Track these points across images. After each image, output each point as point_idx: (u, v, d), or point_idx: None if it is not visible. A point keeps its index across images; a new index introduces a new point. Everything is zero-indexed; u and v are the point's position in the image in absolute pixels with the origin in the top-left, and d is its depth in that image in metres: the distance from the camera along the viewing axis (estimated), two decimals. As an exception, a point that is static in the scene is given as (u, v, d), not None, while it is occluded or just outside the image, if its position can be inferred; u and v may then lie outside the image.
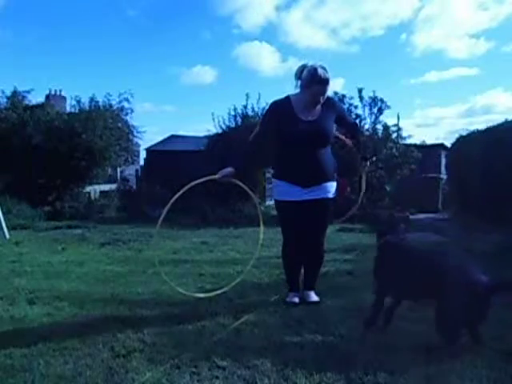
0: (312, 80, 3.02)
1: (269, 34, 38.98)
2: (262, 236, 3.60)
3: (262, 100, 12.67)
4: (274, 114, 3.18)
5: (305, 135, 3.08)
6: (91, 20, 34.15)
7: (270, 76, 39.46)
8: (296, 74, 3.16)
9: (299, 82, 3.16)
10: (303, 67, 3.12)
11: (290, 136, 3.11)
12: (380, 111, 11.05)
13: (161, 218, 3.06)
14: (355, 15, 39.06)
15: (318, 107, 3.17)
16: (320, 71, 3.00)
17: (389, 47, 39.69)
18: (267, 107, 3.35)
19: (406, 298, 2.64)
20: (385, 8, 40.15)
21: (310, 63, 3.10)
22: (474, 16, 39.40)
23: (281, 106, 3.17)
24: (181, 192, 3.09)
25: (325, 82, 3.04)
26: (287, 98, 3.21)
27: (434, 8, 39.40)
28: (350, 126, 3.55)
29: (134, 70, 35.48)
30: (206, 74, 42.31)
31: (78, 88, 44.80)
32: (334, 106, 3.30)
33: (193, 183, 3.14)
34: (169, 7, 35.25)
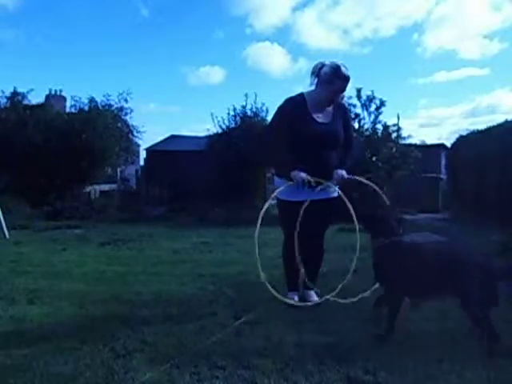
0: (335, 76, 3.03)
1: (281, 34, 38.65)
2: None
3: (264, 100, 12.72)
4: (289, 112, 3.15)
5: (319, 137, 3.09)
6: (98, 20, 33.98)
7: (278, 77, 39.16)
8: (313, 71, 3.15)
9: (316, 80, 3.14)
10: (322, 64, 3.11)
11: (303, 136, 3.10)
12: (378, 110, 11.01)
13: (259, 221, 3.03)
14: (369, 16, 38.71)
15: (330, 110, 3.18)
16: (343, 68, 3.04)
17: (400, 47, 39.45)
18: (282, 103, 3.23)
19: (425, 297, 2.59)
20: (399, 8, 39.79)
21: (328, 61, 3.10)
22: (487, 16, 39.14)
23: (296, 104, 3.15)
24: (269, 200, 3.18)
25: (347, 79, 3.07)
26: (301, 95, 3.20)
27: (447, 8, 39.13)
28: (347, 140, 3.30)
29: (141, 71, 35.33)
30: (214, 74, 42.03)
31: (81, 88, 44.71)
32: (345, 113, 3.32)
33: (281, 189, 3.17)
34: (182, 7, 35.02)
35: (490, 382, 2.02)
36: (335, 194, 3.26)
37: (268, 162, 2.94)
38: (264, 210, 3.03)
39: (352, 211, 3.09)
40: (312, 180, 3.05)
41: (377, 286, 3.01)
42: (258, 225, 2.99)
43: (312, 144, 3.10)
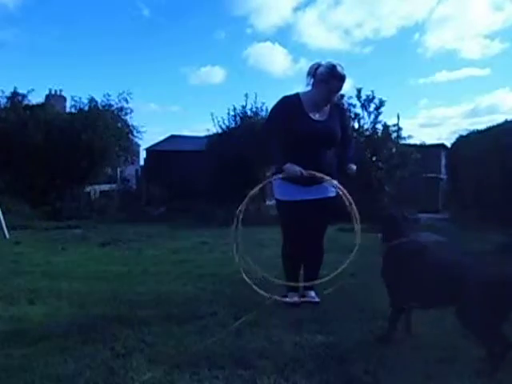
0: (331, 75, 3.04)
1: (282, 34, 38.49)
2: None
3: (265, 100, 12.75)
4: (285, 110, 3.15)
5: (316, 135, 3.09)
6: (98, 20, 33.82)
7: (279, 77, 38.97)
8: (309, 72, 3.16)
9: (312, 80, 3.16)
10: (318, 65, 3.12)
11: (300, 134, 3.09)
12: (378, 110, 10.99)
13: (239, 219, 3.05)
14: (370, 16, 38.42)
15: (327, 109, 3.19)
16: (338, 68, 3.05)
17: (401, 47, 39.25)
18: (277, 101, 3.22)
19: (432, 305, 2.47)
20: (400, 8, 39.56)
21: (324, 62, 3.11)
22: (488, 16, 38.98)
23: (291, 102, 3.16)
24: (256, 188, 3.14)
25: (343, 78, 3.08)
26: (297, 95, 3.20)
27: (448, 8, 38.97)
28: (346, 140, 3.31)
29: (141, 71, 35.16)
30: (214, 74, 41.83)
31: (81, 88, 44.51)
32: (342, 113, 3.34)
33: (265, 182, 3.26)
34: (183, 6, 34.90)
35: (490, 382, 2.02)
36: (332, 194, 3.25)
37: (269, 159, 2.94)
38: (251, 193, 3.07)
39: (353, 207, 3.07)
40: (306, 173, 3.00)
41: (339, 285, 3.12)
42: (242, 208, 3.03)
43: (308, 142, 3.10)
